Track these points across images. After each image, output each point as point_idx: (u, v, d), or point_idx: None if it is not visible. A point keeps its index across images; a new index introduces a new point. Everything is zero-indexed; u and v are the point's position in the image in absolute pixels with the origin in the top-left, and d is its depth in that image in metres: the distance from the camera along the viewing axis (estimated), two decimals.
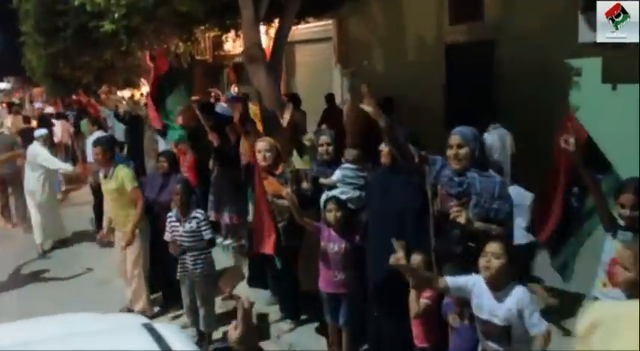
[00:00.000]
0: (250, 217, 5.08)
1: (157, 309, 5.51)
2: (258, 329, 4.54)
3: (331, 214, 3.92)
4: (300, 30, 9.91)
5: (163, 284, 5.51)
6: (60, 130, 12.00)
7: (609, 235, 3.12)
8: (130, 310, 5.18)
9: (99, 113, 10.83)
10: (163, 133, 6.73)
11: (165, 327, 2.49)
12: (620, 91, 5.90)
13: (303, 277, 4.60)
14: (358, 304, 4.02)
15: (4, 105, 16.49)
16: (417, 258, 3.29)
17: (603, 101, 5.84)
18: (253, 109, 11.67)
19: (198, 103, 7.14)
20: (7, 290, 6.23)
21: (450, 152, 3.18)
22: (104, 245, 6.89)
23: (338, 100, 9.71)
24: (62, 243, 7.77)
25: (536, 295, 4.36)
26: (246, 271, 5.52)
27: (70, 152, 12.16)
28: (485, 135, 5.79)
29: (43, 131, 7.95)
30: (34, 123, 10.82)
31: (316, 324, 4.74)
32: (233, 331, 2.55)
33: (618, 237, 3.05)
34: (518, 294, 2.67)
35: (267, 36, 9.10)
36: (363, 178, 4.31)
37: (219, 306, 5.24)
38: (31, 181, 7.46)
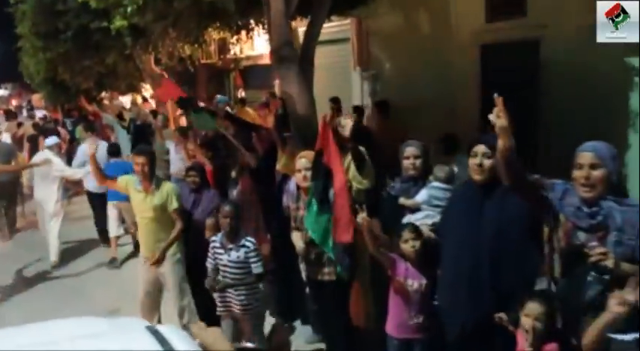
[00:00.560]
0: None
1: None
2: None
3: (408, 246, 3.26)
4: None
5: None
6: None
7: None
8: None
9: (101, 121, 10.19)
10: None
11: (169, 328, 2.47)
12: None
13: (355, 315, 3.91)
14: None
15: (2, 112, 16.28)
16: (536, 308, 2.51)
17: None
18: (251, 113, 11.10)
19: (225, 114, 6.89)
20: (11, 295, 6.19)
21: (578, 174, 2.48)
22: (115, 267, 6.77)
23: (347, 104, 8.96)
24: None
25: None
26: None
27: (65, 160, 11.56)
28: None
29: (54, 139, 7.72)
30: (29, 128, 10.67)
31: None
32: None
33: None
34: None
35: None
36: None
37: None
38: (44, 190, 7.08)
